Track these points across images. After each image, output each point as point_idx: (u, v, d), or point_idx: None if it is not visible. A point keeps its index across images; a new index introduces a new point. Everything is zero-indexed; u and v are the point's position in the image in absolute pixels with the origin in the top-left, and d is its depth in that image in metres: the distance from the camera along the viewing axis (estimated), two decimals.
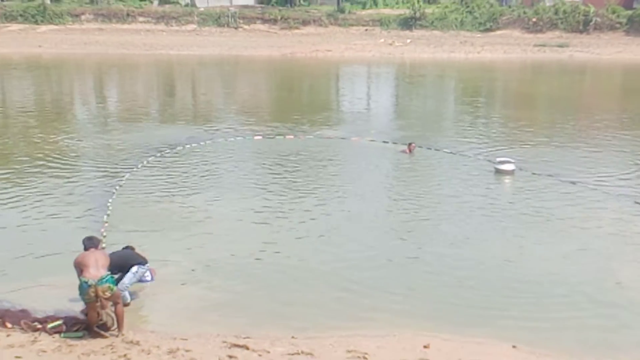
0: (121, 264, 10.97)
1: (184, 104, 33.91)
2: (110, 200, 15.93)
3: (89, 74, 46.86)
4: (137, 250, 11.73)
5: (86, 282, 9.77)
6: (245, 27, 65.64)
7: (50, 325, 10.20)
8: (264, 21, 66.35)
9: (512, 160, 19.67)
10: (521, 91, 40.18)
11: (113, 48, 55.12)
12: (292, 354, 9.40)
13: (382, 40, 61.63)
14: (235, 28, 65.24)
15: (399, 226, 15.10)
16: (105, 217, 14.74)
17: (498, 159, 19.88)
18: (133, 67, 48.56)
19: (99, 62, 49.87)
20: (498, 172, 19.41)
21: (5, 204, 16.32)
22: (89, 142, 22.79)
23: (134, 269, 11.29)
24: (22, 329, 10.15)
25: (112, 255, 11.46)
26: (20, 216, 15.48)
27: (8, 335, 9.95)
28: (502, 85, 44.15)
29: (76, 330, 10.15)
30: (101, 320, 10.06)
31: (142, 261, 11.52)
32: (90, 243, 10.59)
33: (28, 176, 18.61)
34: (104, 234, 13.66)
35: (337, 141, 23.33)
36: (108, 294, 9.84)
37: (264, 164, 20.28)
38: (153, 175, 18.47)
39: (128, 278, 11.20)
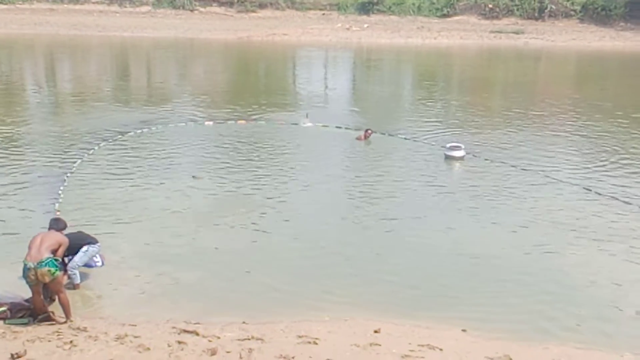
0: (71, 245, 10.75)
1: (137, 88, 33.40)
2: (61, 188, 15.56)
3: (39, 55, 45.86)
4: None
5: (26, 265, 9.56)
6: (201, 9, 64.84)
7: None
8: (220, 4, 65.60)
9: (462, 146, 19.75)
10: (477, 77, 40.48)
11: (64, 29, 53.97)
12: (243, 340, 9.33)
13: (340, 24, 61.47)
14: (191, 10, 64.39)
15: (349, 213, 15.08)
16: (56, 205, 14.38)
17: (448, 145, 19.95)
18: (85, 49, 47.64)
19: (49, 43, 48.83)
20: (448, 157, 19.48)
21: None
22: (39, 127, 22.24)
23: (84, 248, 11.14)
24: None
25: None
26: None
27: None
28: (459, 71, 44.43)
29: (21, 317, 9.93)
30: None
31: (92, 241, 11.35)
32: (55, 225, 10.46)
33: None
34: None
35: (289, 126, 23.18)
36: (47, 279, 9.57)
37: (214, 149, 20.05)
38: (105, 162, 18.10)
39: (79, 257, 11.03)
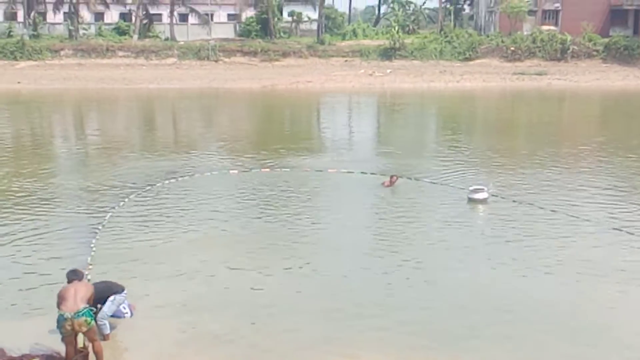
0: (99, 295, 10.82)
1: (163, 138, 33.81)
2: (93, 242, 15.65)
3: (68, 109, 46.73)
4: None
5: (62, 315, 9.61)
6: (225, 59, 65.97)
7: None
8: (244, 53, 66.76)
9: (485, 188, 19.65)
10: (501, 119, 40.54)
11: (92, 83, 55.11)
12: None
13: (362, 70, 62.11)
14: (215, 61, 65.54)
15: (376, 258, 15.00)
16: (89, 258, 14.45)
17: (471, 188, 19.87)
18: (112, 102, 48.51)
19: (78, 97, 49.81)
20: (471, 200, 19.40)
21: None
22: (70, 180, 22.49)
23: (112, 297, 11.18)
24: None
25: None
26: None
27: None
28: (482, 113, 44.53)
29: None
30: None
31: (119, 290, 11.39)
32: (74, 275, 10.47)
33: (7, 215, 18.31)
34: (89, 276, 13.38)
35: (313, 173, 23.26)
36: (84, 329, 9.65)
37: (240, 198, 20.14)
38: (134, 214, 18.22)
39: (107, 306, 11.07)
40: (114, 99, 49.36)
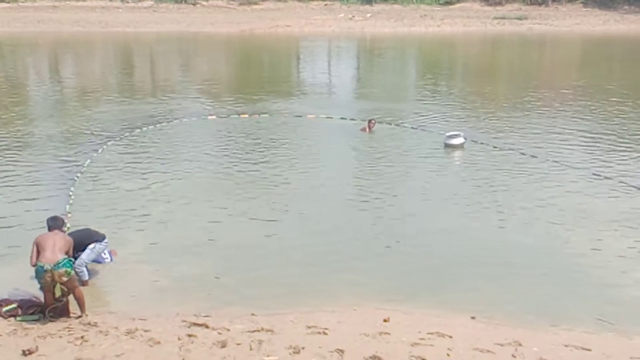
0: (79, 242, 10.79)
1: (141, 83, 33.43)
2: (72, 189, 15.51)
3: (43, 53, 45.89)
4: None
5: (42, 267, 9.55)
6: (204, 3, 64.96)
7: (4, 309, 10.00)
8: None
9: (462, 134, 19.67)
10: (481, 64, 40.44)
11: (67, 26, 54.10)
12: (253, 331, 9.34)
13: (342, 14, 61.45)
14: (193, 4, 64.52)
15: (354, 204, 15.06)
16: (67, 206, 14.34)
17: (447, 134, 19.87)
18: (88, 46, 47.72)
19: (53, 40, 48.93)
20: (448, 146, 19.43)
21: None
22: (46, 125, 22.25)
23: (92, 245, 11.16)
24: None
25: (70, 235, 11.34)
26: None
27: None
28: (462, 58, 44.38)
29: (32, 313, 9.97)
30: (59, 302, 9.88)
31: (99, 238, 11.38)
32: (54, 223, 10.36)
33: None
34: (68, 224, 13.28)
35: (292, 118, 23.17)
36: (64, 279, 9.64)
37: (218, 144, 20.04)
38: (113, 161, 18.05)
39: (86, 254, 11.05)
40: (90, 43, 48.55)
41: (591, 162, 18.00)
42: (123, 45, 48.75)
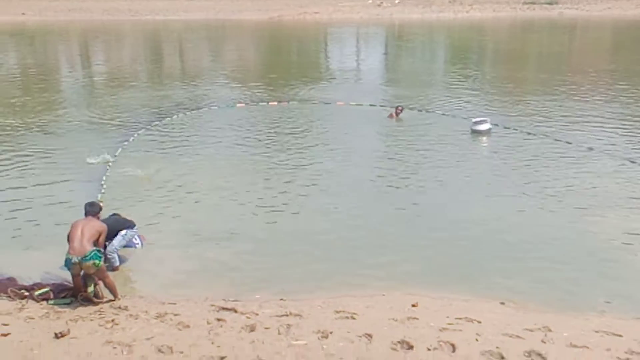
0: (110, 230, 10.90)
1: (170, 71, 33.62)
2: (104, 178, 15.65)
3: (74, 41, 46.33)
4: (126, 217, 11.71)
5: (70, 259, 9.63)
6: None
7: (37, 293, 10.13)
8: None
9: (488, 120, 19.51)
10: (511, 49, 40.04)
11: (98, 14, 54.60)
12: (281, 316, 9.38)
13: (371, 1, 61.19)
14: None
15: (384, 190, 15.04)
16: (99, 195, 14.46)
17: (474, 120, 19.71)
18: (118, 34, 48.08)
19: (83, 28, 49.36)
20: (474, 132, 19.28)
21: None
22: (77, 113, 22.51)
23: (123, 232, 11.29)
24: (9, 296, 10.07)
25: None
26: (7, 185, 15.34)
27: None
28: (492, 44, 43.96)
29: (64, 297, 10.09)
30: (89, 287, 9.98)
31: (130, 225, 11.50)
32: (91, 209, 10.41)
33: (14, 148, 18.38)
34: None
35: (321, 105, 23.14)
36: (92, 270, 9.71)
37: (247, 132, 20.08)
38: (144, 148, 18.18)
39: (117, 240, 11.18)
40: (120, 31, 48.91)
41: (624, 148, 17.74)
42: (152, 33, 49.03)
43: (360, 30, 49.92)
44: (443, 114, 21.54)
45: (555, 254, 11.65)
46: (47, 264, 11.00)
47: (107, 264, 10.65)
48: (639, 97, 24.04)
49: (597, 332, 8.89)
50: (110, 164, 16.64)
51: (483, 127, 19.25)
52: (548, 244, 12.08)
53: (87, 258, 9.57)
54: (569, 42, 44.78)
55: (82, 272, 9.80)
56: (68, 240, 9.81)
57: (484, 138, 19.09)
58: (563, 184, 15.11)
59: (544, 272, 11.02)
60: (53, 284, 10.43)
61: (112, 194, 14.56)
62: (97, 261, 9.67)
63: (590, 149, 17.49)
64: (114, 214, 11.91)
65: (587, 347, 8.28)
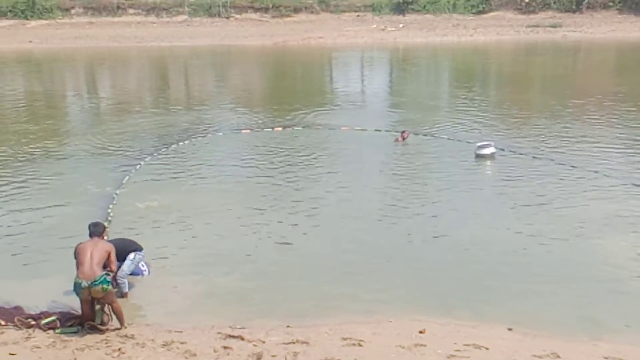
0: (119, 251, 10.94)
1: (176, 97, 33.74)
2: (110, 207, 15.62)
3: (80, 68, 46.66)
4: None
5: (79, 284, 9.65)
6: (237, 16, 65.43)
7: (44, 322, 10.13)
8: (255, 10, 66.12)
9: (492, 143, 19.50)
10: (515, 72, 40.13)
11: (104, 41, 54.92)
12: (288, 343, 9.36)
13: (374, 25, 61.47)
14: (227, 18, 65.02)
15: (390, 215, 15.00)
16: (106, 223, 14.43)
17: (478, 144, 19.70)
18: (124, 60, 48.39)
19: (89, 56, 49.67)
20: (478, 156, 19.26)
21: None
22: (84, 140, 22.58)
23: (131, 255, 11.32)
24: (16, 325, 10.08)
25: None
26: (14, 213, 15.38)
27: (2, 333, 9.90)
28: (496, 67, 44.10)
29: (70, 326, 10.08)
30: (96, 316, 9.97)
31: (138, 248, 11.51)
32: (95, 230, 10.44)
33: (20, 176, 18.42)
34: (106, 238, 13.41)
35: (326, 131, 23.19)
36: (100, 295, 9.72)
37: (252, 158, 20.12)
38: (150, 176, 18.15)
39: (126, 265, 11.20)
40: (126, 58, 49.23)
41: (629, 171, 17.71)
42: (158, 60, 49.33)
43: (365, 55, 50.18)
44: (448, 139, 21.54)
45: (562, 278, 11.62)
46: (54, 292, 11.03)
47: (116, 289, 10.67)
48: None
49: (606, 358, 8.86)
50: (117, 192, 16.64)
51: (487, 151, 19.26)
52: (554, 268, 12.04)
53: (96, 283, 9.60)
54: (573, 65, 44.90)
55: (91, 301, 9.81)
56: (77, 263, 9.81)
57: (488, 162, 19.09)
58: (568, 207, 15.09)
59: (551, 296, 10.99)
60: (60, 312, 10.43)
61: (118, 221, 14.58)
62: (105, 286, 9.71)
63: (596, 172, 17.46)
64: (121, 239, 11.96)
65: None
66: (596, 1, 64.14)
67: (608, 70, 41.50)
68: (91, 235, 10.32)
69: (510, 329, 9.90)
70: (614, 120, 24.27)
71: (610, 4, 63.90)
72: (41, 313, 10.42)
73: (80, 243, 10.13)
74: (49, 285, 11.47)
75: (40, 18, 62.88)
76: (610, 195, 15.81)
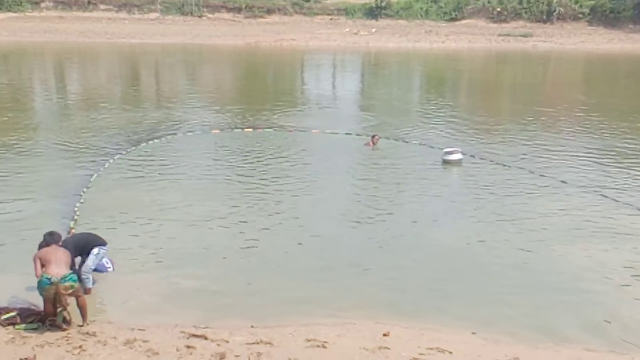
0: (82, 246, 10.81)
1: (146, 96, 33.49)
2: (77, 205, 15.43)
3: (48, 62, 46.10)
4: None
5: (48, 279, 9.51)
6: (209, 15, 65.23)
7: (4, 317, 9.95)
8: (228, 10, 65.96)
9: (459, 150, 19.67)
10: (485, 80, 40.49)
11: (73, 36, 54.38)
12: (252, 344, 9.30)
13: (348, 29, 61.66)
14: (199, 17, 64.76)
15: (354, 218, 15.02)
16: (71, 223, 14.24)
17: (445, 150, 19.85)
18: (94, 56, 47.90)
19: (59, 50, 49.15)
20: (445, 162, 19.40)
21: None
22: (52, 135, 22.25)
23: (95, 250, 11.15)
24: None
25: (72, 238, 11.41)
26: None
27: None
28: (467, 74, 44.43)
29: (31, 322, 9.93)
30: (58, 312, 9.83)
31: (102, 242, 11.36)
32: (52, 239, 10.32)
33: None
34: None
35: (297, 134, 23.15)
36: (68, 292, 9.62)
37: (221, 159, 20.01)
38: (117, 175, 17.94)
39: (91, 260, 11.04)
40: (96, 53, 48.73)
41: (595, 180, 17.94)
42: (128, 56, 48.94)
43: (337, 58, 50.26)
44: (419, 144, 21.64)
45: (526, 285, 11.72)
46: (14, 288, 10.82)
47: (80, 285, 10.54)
48: (611, 129, 24.37)
49: None
50: (84, 190, 16.42)
51: (454, 157, 19.39)
52: (518, 275, 12.15)
53: (65, 279, 9.50)
54: (543, 74, 45.42)
55: (53, 297, 9.69)
56: (42, 264, 9.68)
57: (455, 168, 19.22)
58: (532, 214, 15.23)
59: (515, 302, 11.07)
60: (20, 308, 10.25)
61: (85, 219, 14.39)
62: (73, 283, 9.66)
63: (564, 182, 17.63)
64: (85, 233, 11.85)
65: None
66: (566, 12, 65.01)
67: (577, 81, 42.06)
68: (47, 244, 10.17)
69: (474, 333, 9.95)
70: (582, 129, 24.57)
71: (580, 15, 64.85)
72: (1, 309, 10.23)
73: (39, 251, 10.01)
74: (9, 281, 11.27)
75: (9, 10, 62.05)
76: (575, 205, 15.98)
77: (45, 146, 20.75)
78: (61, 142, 21.23)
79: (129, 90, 34.56)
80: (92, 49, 50.06)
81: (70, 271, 9.76)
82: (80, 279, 10.68)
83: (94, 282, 11.21)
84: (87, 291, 10.92)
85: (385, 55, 51.13)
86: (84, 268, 10.87)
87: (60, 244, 10.45)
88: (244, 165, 19.21)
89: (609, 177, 18.30)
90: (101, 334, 9.57)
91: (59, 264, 9.65)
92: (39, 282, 9.58)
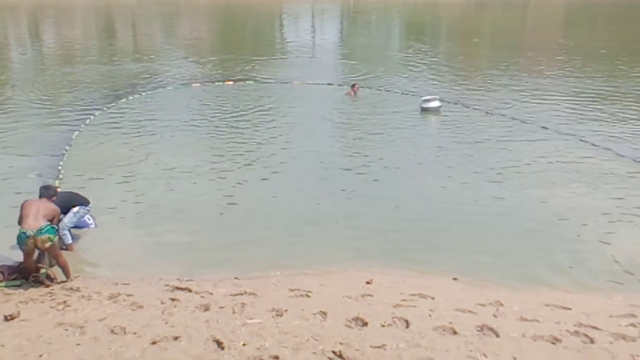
0: (63, 205, 10.74)
1: (124, 49, 33.05)
2: (60, 164, 15.23)
3: (22, 16, 45.25)
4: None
5: (24, 233, 9.48)
6: None
7: None
8: None
9: (437, 97, 19.63)
10: (465, 26, 40.24)
11: None
12: (236, 295, 9.34)
13: None
14: None
15: (338, 169, 15.05)
16: (57, 182, 14.12)
17: (423, 97, 19.80)
18: (69, 10, 47.07)
19: (33, 4, 48.20)
20: (424, 110, 19.37)
21: None
22: (30, 93, 21.97)
23: (75, 209, 11.10)
24: None
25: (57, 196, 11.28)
26: None
27: None
28: (446, 21, 44.15)
29: (14, 279, 9.91)
30: (41, 269, 9.81)
31: (84, 202, 11.31)
32: (46, 192, 10.27)
33: None
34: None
35: (278, 85, 22.99)
36: (47, 245, 9.57)
37: (203, 112, 19.88)
38: (101, 129, 17.83)
39: (68, 217, 10.98)
40: (71, 8, 47.87)
41: (574, 125, 18.02)
42: (104, 9, 48.12)
43: (315, 7, 49.73)
44: (399, 92, 21.58)
45: (506, 229, 11.82)
46: None
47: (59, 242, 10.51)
48: (590, 72, 24.39)
49: (547, 305, 9.04)
50: (67, 147, 16.29)
51: (432, 104, 19.37)
52: (499, 221, 12.23)
53: (42, 231, 9.43)
54: (523, 20, 45.21)
55: (35, 252, 9.66)
56: (20, 218, 9.65)
57: (433, 116, 19.21)
58: (513, 161, 15.30)
59: (495, 247, 11.16)
60: (2, 265, 10.22)
61: (68, 175, 14.30)
62: (51, 235, 9.55)
63: (544, 127, 17.67)
64: (69, 191, 11.76)
65: (538, 321, 8.41)
66: None
67: (557, 25, 41.92)
68: (41, 196, 10.14)
69: (455, 279, 10.04)
70: (562, 73, 24.58)
71: None
72: None
73: (27, 200, 9.96)
74: None
75: None
76: (556, 150, 16.05)
77: (24, 103, 20.49)
78: (39, 99, 21.00)
79: (106, 44, 34.07)
80: (67, 3, 49.15)
81: (48, 223, 9.68)
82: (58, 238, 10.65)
83: (75, 238, 11.18)
84: (68, 247, 10.90)
85: (365, 3, 50.60)
86: (60, 225, 10.78)
87: (53, 198, 10.41)
88: (225, 118, 19.10)
89: (590, 121, 18.40)
90: (85, 289, 9.57)
91: (37, 217, 9.56)
92: (17, 237, 9.56)
